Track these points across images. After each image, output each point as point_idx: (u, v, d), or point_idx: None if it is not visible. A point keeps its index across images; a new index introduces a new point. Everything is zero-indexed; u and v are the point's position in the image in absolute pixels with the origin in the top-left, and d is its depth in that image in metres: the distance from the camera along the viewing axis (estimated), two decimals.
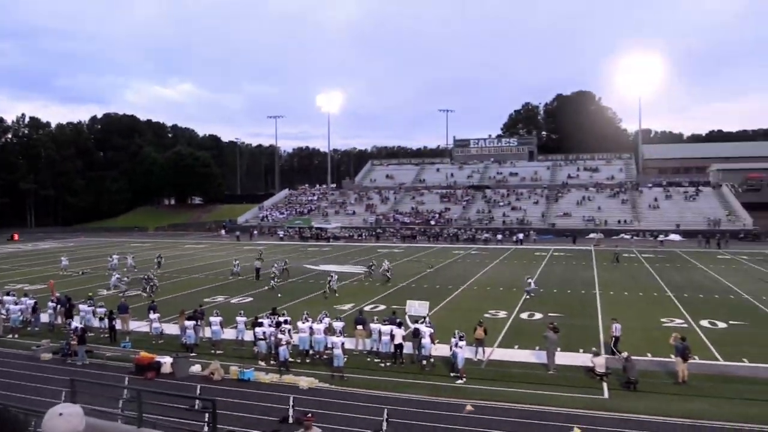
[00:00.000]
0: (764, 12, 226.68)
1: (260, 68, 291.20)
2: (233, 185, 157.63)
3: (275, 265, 40.10)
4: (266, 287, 35.19)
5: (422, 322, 20.86)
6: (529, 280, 33.79)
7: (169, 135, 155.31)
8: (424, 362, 19.82)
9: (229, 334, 22.66)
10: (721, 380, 17.96)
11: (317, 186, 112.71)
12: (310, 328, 20.86)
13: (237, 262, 42.43)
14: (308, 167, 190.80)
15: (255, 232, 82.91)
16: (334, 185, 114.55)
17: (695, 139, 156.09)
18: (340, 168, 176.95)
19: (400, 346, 20.04)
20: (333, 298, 31.55)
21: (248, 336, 22.06)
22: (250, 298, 32.37)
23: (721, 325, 25.20)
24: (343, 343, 19.12)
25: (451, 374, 18.51)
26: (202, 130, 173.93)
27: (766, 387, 17.24)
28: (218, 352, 21.37)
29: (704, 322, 25.54)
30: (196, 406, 14.17)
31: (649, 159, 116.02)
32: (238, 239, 74.94)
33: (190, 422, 12.66)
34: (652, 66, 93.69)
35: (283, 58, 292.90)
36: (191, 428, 11.33)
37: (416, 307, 22.85)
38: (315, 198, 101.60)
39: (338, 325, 20.92)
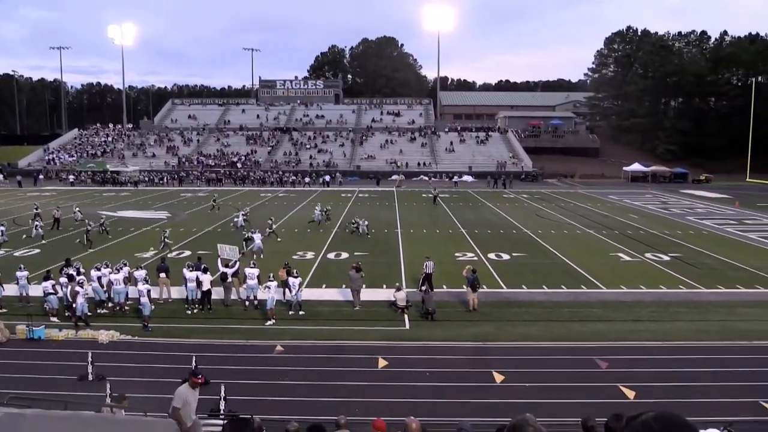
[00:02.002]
0: None
1: None
2: (11, 124, 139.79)
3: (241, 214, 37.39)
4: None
5: (252, 266, 20.76)
6: (363, 221, 34.44)
7: None
8: (247, 303, 20.10)
9: (12, 290, 20.50)
10: (505, 306, 20.28)
11: (111, 126, 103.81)
12: (100, 277, 19.72)
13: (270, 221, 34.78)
14: (101, 105, 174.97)
15: (41, 176, 74.59)
16: (130, 125, 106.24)
17: (486, 87, 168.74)
18: (138, 107, 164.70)
19: (207, 293, 19.68)
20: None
21: (34, 291, 20.21)
22: (37, 250, 29.46)
23: (505, 257, 28.17)
24: (149, 291, 18.34)
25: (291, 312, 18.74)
26: None
27: (542, 309, 19.82)
28: (1, 310, 19.35)
29: (491, 255, 28.37)
30: None
31: (446, 105, 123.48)
32: (20, 185, 67.09)
33: None
34: (449, 17, 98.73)
35: None
36: None
37: (227, 251, 22.51)
38: (109, 139, 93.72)
39: (140, 273, 19.88)
